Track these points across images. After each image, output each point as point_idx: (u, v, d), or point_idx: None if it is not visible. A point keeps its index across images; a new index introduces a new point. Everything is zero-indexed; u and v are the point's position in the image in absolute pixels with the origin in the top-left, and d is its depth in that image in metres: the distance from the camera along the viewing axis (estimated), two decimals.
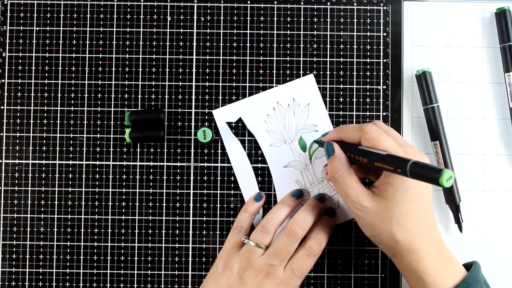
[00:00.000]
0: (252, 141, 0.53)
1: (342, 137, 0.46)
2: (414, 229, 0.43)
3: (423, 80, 0.51)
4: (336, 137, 0.47)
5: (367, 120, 0.53)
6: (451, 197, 0.51)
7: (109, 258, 0.52)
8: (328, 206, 0.52)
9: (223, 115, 0.53)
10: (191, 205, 0.53)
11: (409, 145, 0.44)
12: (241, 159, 0.52)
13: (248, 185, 0.52)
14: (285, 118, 0.53)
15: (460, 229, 0.52)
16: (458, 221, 0.51)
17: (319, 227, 0.49)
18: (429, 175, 0.36)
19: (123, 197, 0.52)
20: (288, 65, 0.53)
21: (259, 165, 0.53)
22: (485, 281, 0.44)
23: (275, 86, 0.53)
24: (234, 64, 0.53)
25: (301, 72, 0.53)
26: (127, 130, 0.51)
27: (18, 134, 0.53)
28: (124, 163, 0.53)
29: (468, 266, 0.45)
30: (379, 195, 0.43)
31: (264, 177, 0.53)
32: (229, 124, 0.53)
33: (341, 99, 0.53)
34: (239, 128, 0.53)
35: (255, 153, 0.53)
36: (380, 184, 0.44)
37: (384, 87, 0.53)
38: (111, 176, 0.52)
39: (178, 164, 0.53)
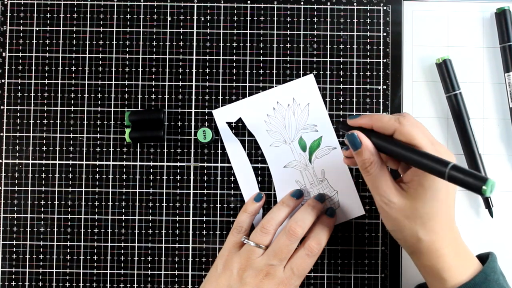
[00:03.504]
0: (252, 141, 0.53)
1: (374, 125, 0.44)
2: (437, 229, 0.42)
3: (444, 68, 0.52)
4: (367, 123, 0.44)
5: None
6: None
7: (109, 258, 0.52)
8: (328, 206, 0.52)
9: (223, 115, 0.53)
10: (191, 205, 0.53)
11: (438, 142, 0.43)
12: (241, 159, 0.52)
13: (248, 185, 0.52)
14: (285, 118, 0.53)
15: (491, 214, 0.52)
16: (488, 206, 0.52)
17: (319, 227, 0.49)
18: (471, 182, 0.35)
19: (123, 197, 0.52)
20: (288, 65, 0.53)
21: (259, 165, 0.53)
22: (501, 272, 0.44)
23: (275, 86, 0.53)
24: (234, 64, 0.53)
25: (301, 72, 0.53)
26: (127, 130, 0.51)
27: (18, 134, 0.53)
28: (124, 163, 0.53)
29: (482, 257, 0.45)
30: (408, 192, 0.42)
31: (264, 177, 0.53)
32: (229, 124, 0.53)
33: (341, 99, 0.53)
34: (239, 128, 0.53)
35: (255, 153, 0.53)
36: (409, 181, 0.43)
37: (384, 87, 0.53)
38: (111, 176, 0.52)
39: (178, 164, 0.53)
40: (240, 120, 0.53)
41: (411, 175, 0.43)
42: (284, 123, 0.53)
